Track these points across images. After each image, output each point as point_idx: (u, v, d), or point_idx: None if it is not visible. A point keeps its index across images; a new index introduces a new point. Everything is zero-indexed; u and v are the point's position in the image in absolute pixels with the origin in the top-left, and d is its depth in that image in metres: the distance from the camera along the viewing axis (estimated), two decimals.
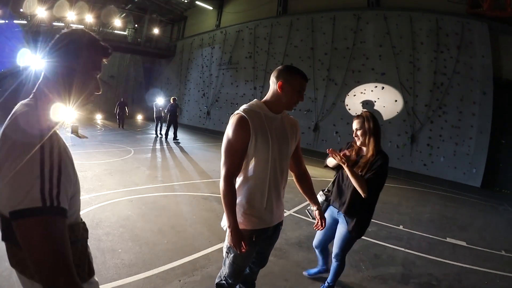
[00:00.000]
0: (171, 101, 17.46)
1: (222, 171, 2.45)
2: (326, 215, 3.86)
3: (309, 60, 19.03)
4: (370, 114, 3.58)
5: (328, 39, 18.37)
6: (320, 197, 3.92)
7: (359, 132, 3.55)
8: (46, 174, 1.14)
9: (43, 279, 1.11)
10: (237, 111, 2.51)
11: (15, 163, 1.13)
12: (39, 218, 1.10)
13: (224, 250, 2.73)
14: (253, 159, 2.49)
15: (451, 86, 14.22)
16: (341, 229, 3.70)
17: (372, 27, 16.71)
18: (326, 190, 4.01)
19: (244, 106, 2.56)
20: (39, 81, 1.46)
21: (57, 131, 1.34)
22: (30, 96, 1.44)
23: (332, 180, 4.02)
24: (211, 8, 26.62)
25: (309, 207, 3.65)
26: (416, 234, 6.72)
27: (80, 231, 1.46)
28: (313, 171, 10.74)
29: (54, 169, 1.17)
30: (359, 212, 3.58)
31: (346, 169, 3.46)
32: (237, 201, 2.55)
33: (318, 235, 4.10)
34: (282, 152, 2.60)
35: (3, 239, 1.28)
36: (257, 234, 2.61)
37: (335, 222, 3.84)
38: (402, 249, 5.83)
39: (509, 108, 13.40)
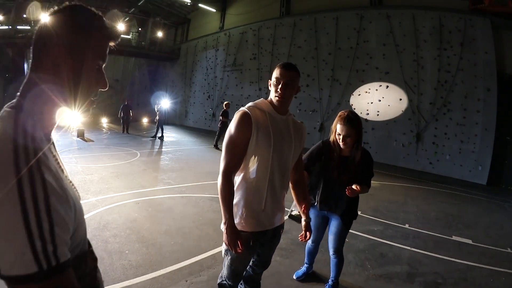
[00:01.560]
0: (225, 107, 15.90)
1: (221, 166, 2.45)
2: (313, 216, 3.89)
3: (313, 60, 19.04)
4: (357, 117, 3.54)
5: (331, 39, 18.37)
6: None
7: (348, 139, 3.49)
8: (33, 229, 0.86)
9: None
10: (242, 108, 2.50)
11: None
12: (38, 286, 0.88)
13: (223, 251, 2.69)
14: (253, 158, 2.46)
15: (455, 83, 14.19)
16: (337, 227, 3.79)
17: (375, 26, 16.68)
18: None
19: (249, 104, 2.55)
20: (26, 78, 1.12)
21: (49, 154, 1.05)
22: (14, 100, 1.10)
23: (309, 184, 3.92)
24: (214, 10, 26.66)
25: (291, 212, 3.53)
26: (422, 232, 6.73)
27: (87, 263, 1.26)
28: None
29: (43, 220, 0.88)
30: (353, 208, 3.80)
31: (360, 192, 3.46)
32: (235, 201, 2.53)
33: (315, 233, 4.04)
34: (284, 154, 2.57)
35: None
36: (255, 237, 2.59)
37: (325, 221, 3.97)
38: (408, 247, 5.85)
39: None
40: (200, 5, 26.34)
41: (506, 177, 13.31)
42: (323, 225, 3.98)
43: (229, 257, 2.64)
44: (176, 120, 30.69)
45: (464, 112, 13.93)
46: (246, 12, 24.02)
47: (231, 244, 2.40)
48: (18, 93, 1.10)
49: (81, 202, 1.17)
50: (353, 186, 3.40)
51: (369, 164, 3.65)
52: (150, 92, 32.47)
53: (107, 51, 1.23)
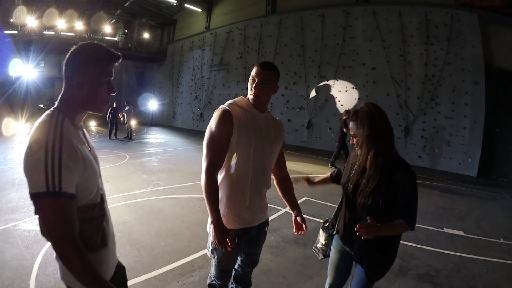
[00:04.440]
0: (346, 116, 12.05)
1: (204, 164, 2.42)
2: (335, 250, 2.84)
3: (300, 57, 19.00)
4: (368, 111, 2.46)
5: (317, 36, 18.38)
6: (323, 234, 3.02)
7: (355, 140, 2.57)
8: (48, 166, 1.44)
9: (50, 241, 1.50)
10: (221, 105, 2.51)
11: (31, 160, 1.46)
12: (45, 200, 1.44)
13: (208, 251, 2.67)
14: (235, 155, 2.47)
15: (442, 77, 14.25)
16: (359, 277, 2.60)
17: (361, 23, 16.72)
18: (329, 224, 3.00)
19: (229, 101, 2.56)
20: (61, 91, 1.74)
21: (72, 132, 1.64)
22: (54, 106, 1.70)
23: (336, 209, 2.94)
24: (200, 10, 26.54)
25: (314, 246, 3.13)
26: None
27: (95, 210, 1.74)
28: (307, 168, 10.79)
29: (55, 163, 1.45)
30: (377, 250, 2.53)
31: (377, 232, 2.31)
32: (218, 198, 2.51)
33: (333, 275, 2.89)
34: (265, 151, 2.58)
35: (35, 213, 1.54)
36: (240, 235, 2.57)
37: (347, 260, 2.76)
38: (400, 241, 5.84)
39: (501, 96, 13.46)
40: (186, 5, 26.21)
41: (496, 169, 13.41)
42: (344, 264, 2.80)
43: (216, 257, 2.63)
44: (164, 121, 30.60)
45: (452, 106, 13.99)
46: (232, 11, 23.94)
47: (221, 243, 2.35)
48: (57, 101, 1.71)
49: None
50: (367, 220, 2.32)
51: (402, 185, 2.43)
52: (138, 93, 32.29)
53: (113, 70, 1.79)
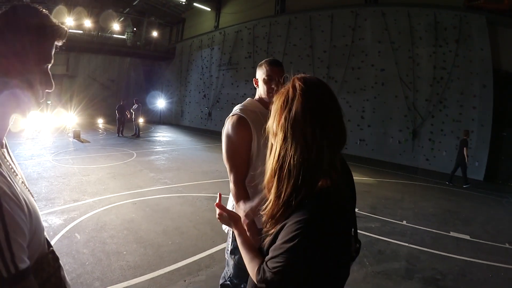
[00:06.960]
0: (465, 135, 11.84)
1: (231, 177, 2.39)
2: None
3: (309, 58, 18.97)
4: (303, 82, 1.29)
5: (326, 37, 18.34)
6: None
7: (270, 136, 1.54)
8: None
9: None
10: (232, 113, 2.48)
11: None
12: None
13: (228, 252, 2.66)
14: (256, 159, 2.42)
15: (451, 80, 14.20)
16: None
17: (370, 24, 16.68)
18: None
19: (239, 107, 2.53)
20: None
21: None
22: None
23: None
24: (209, 9, 26.55)
25: None
26: (419, 229, 6.72)
27: (50, 263, 1.17)
28: None
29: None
30: None
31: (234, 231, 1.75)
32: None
33: None
34: None
35: None
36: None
37: None
38: (406, 244, 5.84)
39: (509, 100, 13.37)
40: (195, 4, 26.20)
41: (503, 173, 13.34)
42: None
43: (237, 256, 2.59)
44: (172, 119, 30.69)
45: (460, 109, 13.94)
46: (241, 10, 23.93)
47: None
48: None
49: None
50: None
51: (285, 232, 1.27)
52: (146, 92, 32.32)
53: (52, 51, 1.14)
